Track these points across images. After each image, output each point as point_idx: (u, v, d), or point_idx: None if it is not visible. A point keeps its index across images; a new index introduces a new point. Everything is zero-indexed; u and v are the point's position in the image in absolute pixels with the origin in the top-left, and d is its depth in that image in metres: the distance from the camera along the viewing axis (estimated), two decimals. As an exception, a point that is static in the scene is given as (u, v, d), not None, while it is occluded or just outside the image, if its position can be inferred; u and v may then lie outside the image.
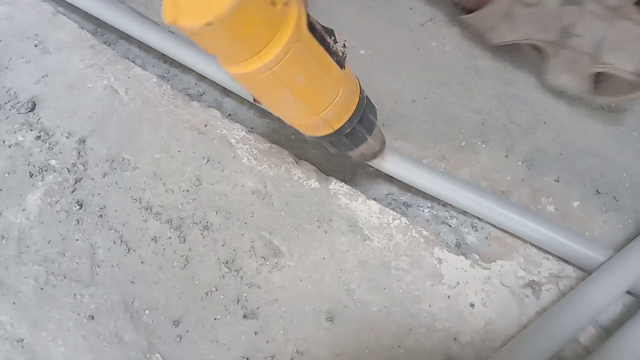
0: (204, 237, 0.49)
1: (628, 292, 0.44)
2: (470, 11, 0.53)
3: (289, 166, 0.52)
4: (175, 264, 0.48)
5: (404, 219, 0.48)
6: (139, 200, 0.50)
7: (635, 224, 0.47)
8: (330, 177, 0.51)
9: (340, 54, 0.34)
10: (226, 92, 0.58)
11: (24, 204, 0.50)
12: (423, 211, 0.50)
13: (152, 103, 0.55)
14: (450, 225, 0.49)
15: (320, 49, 0.32)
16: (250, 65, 0.29)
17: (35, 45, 0.60)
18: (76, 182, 0.51)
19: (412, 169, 0.48)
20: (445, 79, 0.56)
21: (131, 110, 0.55)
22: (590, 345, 0.43)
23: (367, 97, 0.40)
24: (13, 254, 0.48)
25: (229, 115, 0.56)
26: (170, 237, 0.49)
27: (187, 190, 0.51)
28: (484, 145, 0.52)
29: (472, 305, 0.45)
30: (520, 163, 0.51)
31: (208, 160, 0.52)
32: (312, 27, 0.31)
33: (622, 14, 0.47)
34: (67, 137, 0.53)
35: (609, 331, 0.44)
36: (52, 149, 0.53)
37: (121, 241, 0.48)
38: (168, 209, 0.50)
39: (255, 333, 0.45)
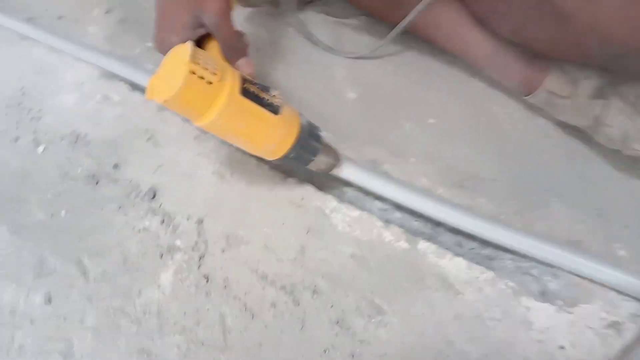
0: (314, 300, 0.56)
1: None
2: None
3: (379, 230, 0.59)
4: (293, 326, 0.55)
5: (490, 272, 0.55)
6: (255, 271, 0.58)
7: None
8: (417, 237, 0.58)
9: (276, 103, 0.48)
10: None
11: (159, 281, 0.59)
12: (506, 263, 0.56)
13: (254, 183, 0.64)
14: (532, 275, 0.55)
15: (253, 105, 0.47)
16: (202, 121, 0.45)
17: (148, 140, 0.70)
18: (200, 258, 0.60)
19: (367, 176, 0.59)
20: (510, 140, 0.63)
21: (238, 191, 0.64)
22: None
23: (310, 126, 0.53)
24: (155, 326, 0.57)
25: (320, 188, 0.64)
26: (286, 302, 0.56)
27: (295, 259, 0.59)
28: (555, 200, 0.58)
29: (562, 347, 0.51)
30: (591, 214, 0.57)
31: (309, 231, 0.60)
32: (245, 90, 0.46)
33: (636, 110, 0.54)
34: (187, 220, 0.63)
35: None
36: (175, 231, 0.62)
37: (245, 309, 0.57)
38: (281, 277, 0.58)
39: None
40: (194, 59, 0.43)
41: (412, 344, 0.53)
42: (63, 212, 0.66)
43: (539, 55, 0.60)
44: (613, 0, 0.46)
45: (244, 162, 0.66)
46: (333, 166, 0.58)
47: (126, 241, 0.62)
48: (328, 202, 0.62)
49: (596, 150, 0.60)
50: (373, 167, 0.64)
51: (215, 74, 0.44)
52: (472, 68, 0.66)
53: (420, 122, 0.67)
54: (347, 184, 0.64)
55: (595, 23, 0.47)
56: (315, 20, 0.76)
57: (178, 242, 0.62)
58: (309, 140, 0.52)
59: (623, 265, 0.53)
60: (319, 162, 0.55)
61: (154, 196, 0.65)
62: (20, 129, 0.74)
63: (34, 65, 0.81)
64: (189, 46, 0.44)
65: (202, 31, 0.51)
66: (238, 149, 0.66)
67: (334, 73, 0.72)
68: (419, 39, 0.69)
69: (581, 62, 0.57)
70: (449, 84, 0.68)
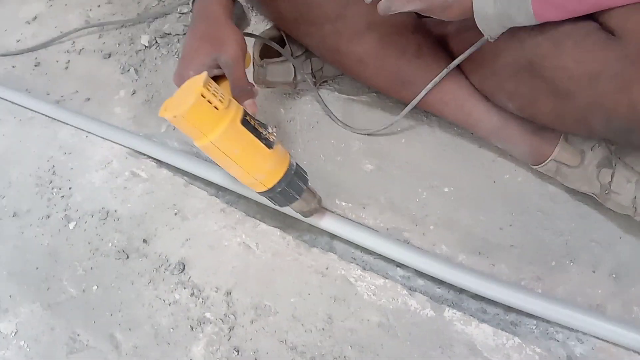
0: (344, 371, 0.57)
1: None
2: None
3: (404, 298, 0.61)
4: (325, 397, 0.56)
5: (516, 339, 0.56)
6: (284, 341, 0.60)
7: None
8: (442, 304, 0.60)
9: (271, 139, 0.54)
10: (333, 236, 0.69)
11: (190, 354, 0.60)
12: (531, 328, 0.58)
13: (280, 254, 0.66)
14: (557, 340, 0.56)
15: (250, 135, 0.53)
16: (203, 141, 0.51)
17: (175, 214, 0.73)
18: (230, 330, 0.61)
19: (346, 228, 0.64)
20: (524, 206, 0.66)
21: (264, 262, 0.66)
22: None
23: (298, 167, 0.58)
24: (188, 400, 0.58)
25: (342, 256, 0.66)
26: (316, 373, 0.57)
27: (323, 329, 0.60)
28: (572, 264, 0.60)
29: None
30: (608, 277, 0.59)
31: (335, 300, 0.62)
32: (246, 121, 0.53)
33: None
34: (215, 291, 0.65)
35: None
36: (204, 303, 0.64)
37: (276, 380, 0.57)
38: (310, 347, 0.59)
39: None
40: (206, 85, 0.49)
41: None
42: (94, 288, 0.68)
43: (545, 127, 0.64)
44: (612, 80, 0.49)
45: (269, 233, 0.69)
46: (315, 211, 0.63)
47: (157, 314, 0.64)
48: (352, 270, 0.64)
49: (606, 214, 0.63)
50: (394, 234, 0.67)
51: (222, 101, 0.50)
52: (481, 139, 0.71)
53: (435, 191, 0.70)
54: (369, 251, 0.66)
55: (596, 102, 0.51)
56: (329, 98, 0.81)
57: (208, 314, 0.63)
58: (296, 179, 0.57)
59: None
60: (302, 203, 0.60)
61: (183, 269, 0.67)
62: (51, 207, 0.77)
63: (63, 146, 0.85)
64: (204, 75, 0.51)
65: (217, 72, 0.58)
66: (265, 220, 0.69)
67: (350, 146, 0.76)
68: (428, 112, 0.74)
69: (586, 134, 0.61)
70: (460, 155, 0.72)
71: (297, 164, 0.59)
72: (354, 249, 0.67)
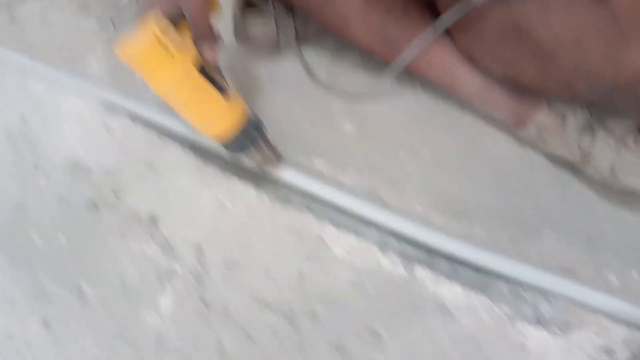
0: (313, 326, 0.57)
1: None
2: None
3: (377, 258, 0.61)
4: (293, 351, 0.55)
5: (486, 299, 0.56)
6: (255, 297, 0.59)
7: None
8: (414, 263, 0.60)
9: (227, 89, 0.54)
10: (309, 196, 0.68)
11: (158, 307, 0.59)
12: (501, 289, 0.58)
13: (254, 211, 0.65)
14: (527, 301, 0.56)
15: (206, 83, 0.52)
16: (157, 86, 0.51)
17: (148, 169, 0.71)
18: (199, 284, 0.60)
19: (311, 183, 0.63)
20: (503, 171, 0.65)
21: (238, 219, 0.65)
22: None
23: (255, 118, 0.58)
24: (153, 351, 0.57)
25: (318, 216, 0.65)
26: (285, 328, 0.57)
27: (294, 285, 0.59)
28: (546, 229, 0.60)
29: (557, 372, 0.52)
30: (581, 242, 0.59)
31: (308, 258, 0.61)
32: (203, 69, 0.52)
33: (624, 144, 0.57)
34: (186, 246, 0.63)
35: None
36: (174, 257, 0.63)
37: (244, 334, 0.57)
38: (281, 303, 0.58)
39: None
40: (160, 27, 0.48)
41: (411, 369, 0.53)
42: (62, 239, 0.66)
43: (529, 91, 0.63)
44: (597, 41, 0.49)
45: (244, 191, 0.67)
46: (272, 162, 0.62)
47: (125, 267, 0.63)
48: (327, 229, 0.63)
49: (585, 181, 0.63)
50: (371, 195, 0.66)
51: (177, 46, 0.49)
52: (464, 103, 0.70)
53: (415, 154, 0.69)
54: (345, 212, 0.65)
55: (580, 64, 0.50)
56: (312, 58, 0.79)
57: (177, 268, 0.62)
58: (252, 130, 0.57)
59: (614, 291, 0.55)
60: (257, 155, 0.60)
61: (153, 223, 0.66)
62: (21, 159, 0.75)
63: (35, 98, 0.82)
64: (157, 16, 0.49)
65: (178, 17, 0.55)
66: (241, 177, 0.68)
67: (331, 107, 0.75)
68: (412, 74, 0.73)
69: (569, 98, 0.60)
70: (443, 118, 0.71)
71: (255, 114, 0.59)
72: (330, 210, 0.66)
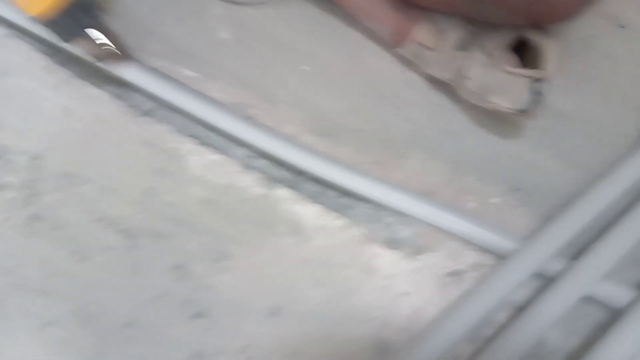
0: (155, 245, 0.52)
1: (538, 275, 0.50)
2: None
3: (237, 176, 0.56)
4: (126, 270, 0.51)
5: (344, 219, 0.53)
6: (92, 212, 0.53)
7: (545, 215, 0.54)
8: (277, 184, 0.55)
9: None
10: (172, 108, 0.61)
11: (-20, 219, 0.52)
12: (362, 211, 0.55)
13: (105, 120, 0.58)
14: (385, 223, 0.54)
15: None
16: None
17: (-12, 68, 0.62)
18: (32, 197, 0.54)
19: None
20: (380, 91, 0.61)
21: (85, 127, 0.58)
22: (504, 322, 0.49)
23: (89, 2, 0.52)
24: (-30, 268, 0.50)
25: (180, 130, 0.59)
26: (122, 246, 0.52)
27: (139, 201, 0.54)
28: (415, 151, 0.57)
29: (404, 294, 0.50)
30: (446, 165, 0.57)
31: (159, 172, 0.56)
32: None
33: (493, 62, 0.54)
34: (22, 155, 0.56)
35: (519, 309, 0.49)
36: (6, 166, 0.55)
37: (75, 251, 0.51)
38: (121, 220, 0.53)
39: (205, 330, 0.49)
40: None
41: (255, 289, 0.50)
42: None
43: (410, 5, 0.58)
44: None
45: (98, 97, 0.60)
46: (110, 56, 0.55)
47: (-56, 175, 0.55)
48: (187, 144, 0.57)
49: (460, 104, 0.60)
50: (238, 109, 0.60)
51: None
52: (350, 17, 0.64)
53: (292, 68, 0.63)
54: (212, 128, 0.59)
55: None
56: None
57: (9, 179, 0.55)
58: (78, 12, 0.50)
59: (472, 216, 0.54)
60: (91, 44, 0.53)
61: (-12, 129, 0.57)
62: None
63: None
64: None
65: None
66: (95, 83, 0.60)
67: (208, 11, 0.67)
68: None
69: (447, 10, 0.56)
70: (327, 33, 0.66)
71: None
72: (192, 123, 0.60)
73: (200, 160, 0.56)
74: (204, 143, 0.58)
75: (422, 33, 0.58)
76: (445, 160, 0.57)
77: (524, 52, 0.57)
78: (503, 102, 0.54)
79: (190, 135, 0.59)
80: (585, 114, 0.63)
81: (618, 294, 0.49)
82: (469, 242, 0.52)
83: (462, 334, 0.46)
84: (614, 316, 0.50)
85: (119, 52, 0.56)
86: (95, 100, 0.60)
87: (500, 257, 0.52)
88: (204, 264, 0.51)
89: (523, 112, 0.55)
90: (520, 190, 0.55)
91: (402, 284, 0.50)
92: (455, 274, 0.51)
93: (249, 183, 0.55)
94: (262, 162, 0.58)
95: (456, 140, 0.58)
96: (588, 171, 0.59)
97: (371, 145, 0.58)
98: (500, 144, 0.58)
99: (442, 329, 0.46)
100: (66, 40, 0.53)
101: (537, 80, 0.55)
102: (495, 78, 0.54)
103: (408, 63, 0.63)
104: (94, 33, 0.52)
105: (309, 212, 0.53)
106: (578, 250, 0.52)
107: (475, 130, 0.59)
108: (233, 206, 0.54)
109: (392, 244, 0.53)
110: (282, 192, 0.55)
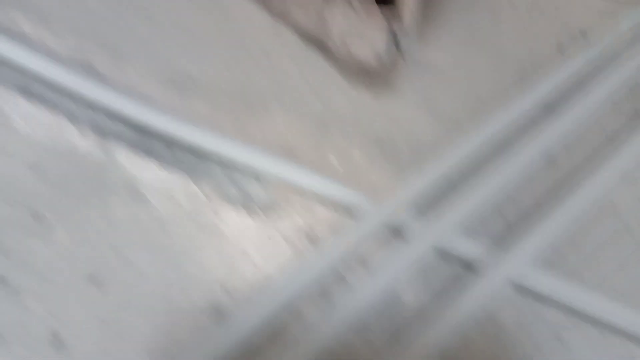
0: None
1: (392, 230, 0.47)
2: None
3: (70, 136, 0.49)
4: None
5: (188, 179, 0.48)
6: None
7: (404, 172, 0.51)
8: (112, 142, 0.49)
9: None
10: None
11: None
12: (212, 170, 0.50)
13: None
14: (234, 181, 0.49)
15: None
16: None
17: None
18: None
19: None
20: (247, 44, 0.57)
21: None
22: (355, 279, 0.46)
23: None
24: None
25: (6, 84, 0.52)
26: None
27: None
28: (276, 105, 0.53)
29: (245, 254, 0.45)
30: (310, 122, 0.53)
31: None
32: None
33: (353, 9, 0.51)
34: None
35: (369, 265, 0.46)
36: None
37: None
38: None
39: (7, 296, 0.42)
40: None
41: (78, 257, 0.44)
42: None
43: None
44: None
45: None
46: None
47: None
48: (10, 100, 0.50)
49: (328, 59, 0.57)
50: (82, 64, 0.54)
51: None
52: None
53: (152, 20, 0.58)
54: (43, 80, 0.52)
55: None
56: None
57: None
58: None
59: (331, 174, 0.50)
60: None
61: None
62: None
63: None
64: None
65: None
66: None
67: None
68: None
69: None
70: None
71: None
72: (22, 75, 0.53)
73: (29, 119, 0.50)
74: (34, 99, 0.52)
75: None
76: (309, 116, 0.53)
77: (387, 4, 0.54)
78: (361, 51, 0.51)
79: (18, 90, 0.52)
80: (459, 68, 0.61)
81: (471, 248, 0.46)
82: (320, 200, 0.48)
83: (306, 291, 0.42)
84: (467, 270, 0.47)
85: None
86: None
87: (353, 215, 0.48)
88: (21, 233, 0.44)
89: (382, 62, 0.52)
90: (384, 146, 0.52)
91: (249, 244, 0.46)
92: (306, 233, 0.47)
93: (85, 144, 0.49)
94: (100, 120, 0.52)
95: (322, 96, 0.54)
96: (457, 125, 0.56)
97: (230, 99, 0.53)
98: (368, 100, 0.55)
99: (283, 286, 0.42)
100: None
101: (396, 31, 0.52)
102: (355, 27, 0.51)
103: (277, 14, 0.59)
104: None
105: (150, 174, 0.48)
106: (432, 205, 0.50)
107: (343, 85, 0.55)
108: (63, 169, 0.47)
109: (242, 204, 0.48)
110: (121, 153, 0.49)
